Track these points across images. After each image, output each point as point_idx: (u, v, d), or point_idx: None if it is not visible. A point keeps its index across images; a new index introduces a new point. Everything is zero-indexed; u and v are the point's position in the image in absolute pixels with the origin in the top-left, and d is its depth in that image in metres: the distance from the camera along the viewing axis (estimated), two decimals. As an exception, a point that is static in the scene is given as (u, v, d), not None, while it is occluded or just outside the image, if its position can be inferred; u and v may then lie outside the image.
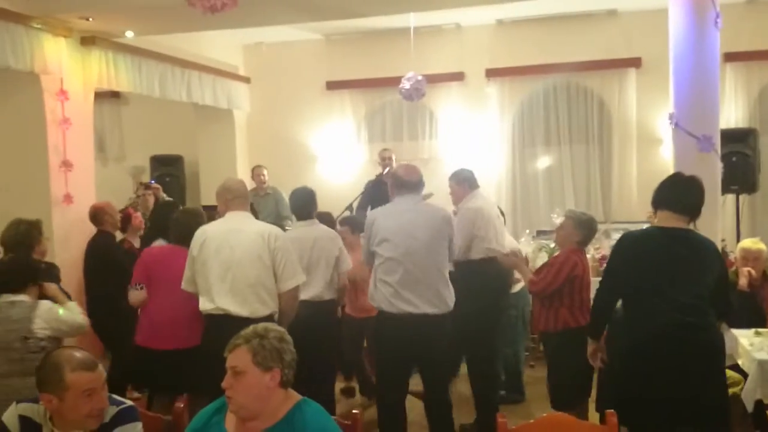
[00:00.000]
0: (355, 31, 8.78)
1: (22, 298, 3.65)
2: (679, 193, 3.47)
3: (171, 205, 6.17)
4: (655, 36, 7.23)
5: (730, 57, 7.53)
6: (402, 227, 4.08)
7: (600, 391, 4.33)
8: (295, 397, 2.45)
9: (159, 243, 4.85)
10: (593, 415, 4.36)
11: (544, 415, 3.05)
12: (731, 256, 5.56)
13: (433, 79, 7.87)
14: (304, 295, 4.34)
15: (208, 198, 8.22)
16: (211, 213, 4.61)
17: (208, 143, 9.23)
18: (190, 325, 4.18)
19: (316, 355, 4.05)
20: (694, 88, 5.36)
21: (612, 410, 2.82)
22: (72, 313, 3.73)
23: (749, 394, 3.85)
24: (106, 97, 8.90)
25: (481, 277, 4.86)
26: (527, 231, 7.51)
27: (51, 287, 3.89)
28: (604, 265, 6.54)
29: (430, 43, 8.44)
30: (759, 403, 3.86)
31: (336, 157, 9.15)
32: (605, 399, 4.11)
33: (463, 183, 5.12)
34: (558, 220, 5.05)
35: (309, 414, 2.38)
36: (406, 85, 6.74)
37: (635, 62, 8.16)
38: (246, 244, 3.96)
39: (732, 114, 7.83)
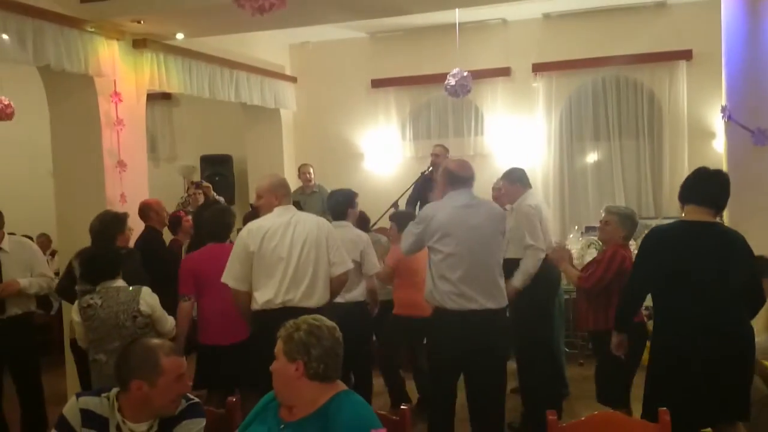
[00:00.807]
0: (399, 29, 8.79)
1: (122, 283, 4.18)
2: (702, 187, 3.51)
3: (208, 207, 6.25)
4: (706, 27, 7.09)
5: (785, 47, 7.32)
6: (462, 223, 4.03)
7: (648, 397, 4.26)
8: (338, 388, 2.50)
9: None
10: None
11: (596, 413, 3.02)
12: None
13: (479, 75, 7.84)
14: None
15: (257, 196, 8.36)
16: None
17: (255, 143, 9.35)
18: (239, 319, 4.25)
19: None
20: (748, 79, 5.23)
21: (665, 408, 2.79)
22: None
23: None
24: (158, 98, 9.10)
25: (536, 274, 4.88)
26: (575, 227, 7.44)
27: None
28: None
29: (476, 38, 8.40)
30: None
31: (381, 154, 9.18)
32: (654, 397, 4.08)
33: (517, 182, 5.16)
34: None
35: (345, 404, 2.44)
36: (451, 81, 6.72)
37: (686, 54, 7.99)
38: (308, 234, 4.04)
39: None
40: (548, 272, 4.99)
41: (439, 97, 8.64)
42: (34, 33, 5.36)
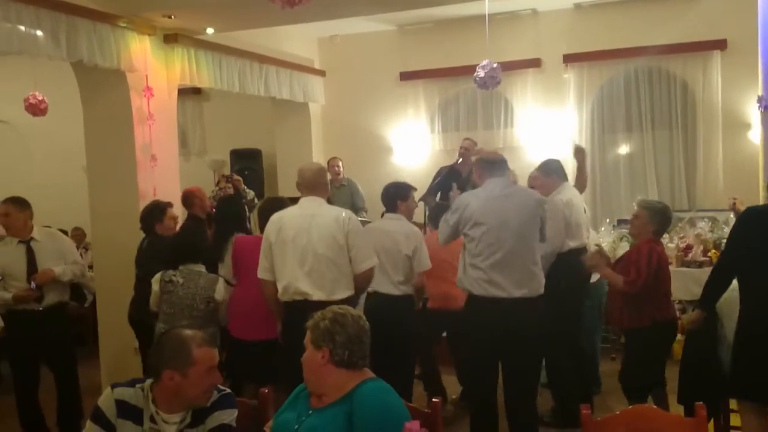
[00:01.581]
0: (428, 20, 8.74)
1: (203, 268, 4.58)
2: None
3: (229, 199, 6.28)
4: (741, 16, 6.96)
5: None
6: (495, 211, 4.03)
7: (682, 384, 4.20)
8: (365, 376, 2.55)
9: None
10: (675, 408, 4.25)
11: (630, 407, 2.98)
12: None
13: (509, 67, 7.76)
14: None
15: (286, 190, 8.40)
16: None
17: (285, 136, 9.38)
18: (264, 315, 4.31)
19: (385, 350, 3.91)
20: (786, 69, 5.14)
21: (701, 403, 2.75)
22: None
23: None
24: (188, 93, 9.18)
25: (562, 268, 4.83)
26: (607, 220, 7.36)
27: None
28: (689, 255, 6.40)
29: (506, 29, 8.32)
30: None
31: (410, 147, 9.16)
32: (689, 391, 4.04)
33: (552, 175, 5.11)
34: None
35: (370, 390, 2.49)
36: (480, 73, 6.65)
37: (720, 44, 7.83)
38: (322, 227, 4.02)
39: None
40: (570, 267, 4.92)
41: (468, 89, 8.59)
42: (68, 29, 5.42)
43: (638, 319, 4.29)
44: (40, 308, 4.91)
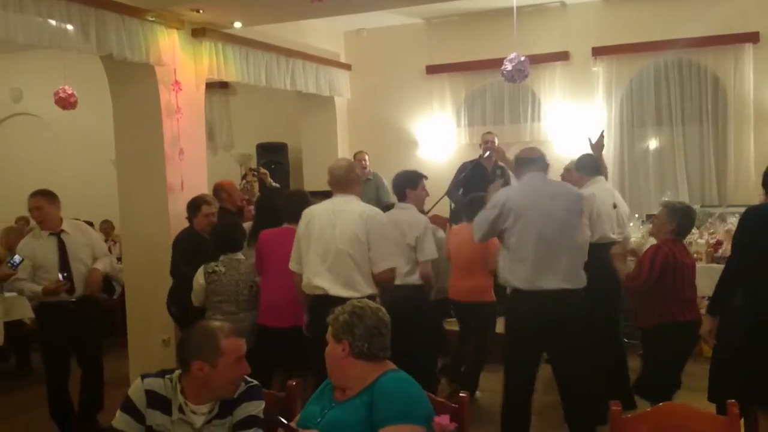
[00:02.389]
0: (455, 13, 8.69)
1: (242, 256, 4.81)
2: None
3: (276, 192, 6.31)
4: (775, 8, 6.83)
5: None
6: (534, 205, 4.03)
7: (713, 381, 4.16)
8: (386, 367, 2.58)
9: None
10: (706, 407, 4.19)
11: (661, 404, 2.94)
12: None
13: (537, 60, 7.68)
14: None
15: (312, 183, 8.42)
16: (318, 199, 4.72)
17: (310, 130, 9.39)
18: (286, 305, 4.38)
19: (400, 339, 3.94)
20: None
21: (733, 401, 2.70)
22: None
23: None
24: (216, 87, 9.22)
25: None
26: (636, 215, 7.26)
27: None
28: (719, 251, 6.30)
29: (534, 22, 8.25)
30: None
31: (436, 141, 9.13)
32: (720, 388, 3.99)
33: (581, 170, 5.20)
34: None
35: (390, 380, 2.52)
36: (508, 66, 6.60)
37: (752, 37, 7.70)
38: (346, 224, 4.03)
39: None
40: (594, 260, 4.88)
41: (495, 82, 8.54)
42: (97, 23, 5.47)
43: (646, 318, 4.31)
44: (73, 300, 4.97)
